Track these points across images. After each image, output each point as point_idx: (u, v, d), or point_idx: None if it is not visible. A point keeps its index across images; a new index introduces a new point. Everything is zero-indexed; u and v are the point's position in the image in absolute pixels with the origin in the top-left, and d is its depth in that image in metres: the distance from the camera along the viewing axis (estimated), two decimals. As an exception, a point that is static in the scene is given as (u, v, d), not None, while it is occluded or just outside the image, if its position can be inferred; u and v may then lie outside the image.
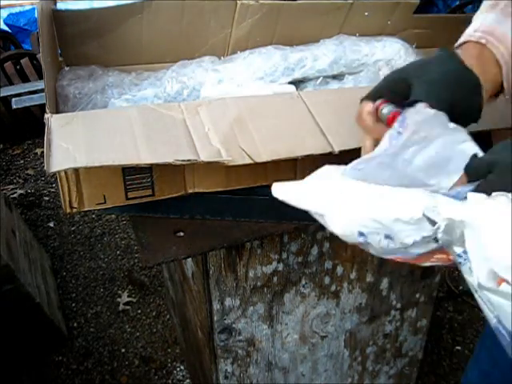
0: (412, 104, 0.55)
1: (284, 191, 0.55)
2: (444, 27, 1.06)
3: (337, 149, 0.68)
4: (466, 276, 0.42)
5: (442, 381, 1.51)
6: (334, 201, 0.51)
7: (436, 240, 0.44)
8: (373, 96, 0.61)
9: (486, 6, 0.64)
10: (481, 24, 0.61)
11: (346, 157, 0.71)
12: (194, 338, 1.12)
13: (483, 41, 0.59)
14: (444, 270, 1.59)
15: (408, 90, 0.57)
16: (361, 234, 0.48)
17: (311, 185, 0.55)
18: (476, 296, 0.42)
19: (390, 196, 0.47)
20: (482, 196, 0.42)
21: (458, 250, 0.43)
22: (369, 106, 0.60)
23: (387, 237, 0.46)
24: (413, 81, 0.57)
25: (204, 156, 0.64)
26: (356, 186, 0.50)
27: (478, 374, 0.84)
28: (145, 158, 0.62)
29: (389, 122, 0.57)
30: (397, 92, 0.59)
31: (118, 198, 0.70)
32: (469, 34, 0.61)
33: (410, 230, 0.45)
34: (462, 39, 0.62)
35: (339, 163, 0.64)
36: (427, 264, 0.49)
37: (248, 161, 0.66)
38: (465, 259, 0.42)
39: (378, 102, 0.60)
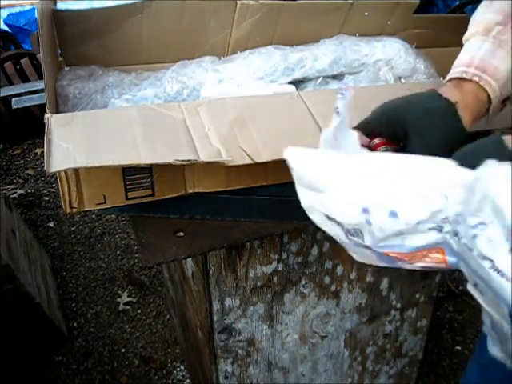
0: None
1: (294, 157, 0.52)
2: (444, 27, 1.06)
3: None
4: (481, 247, 0.40)
5: (442, 381, 1.51)
6: (340, 174, 0.49)
7: (440, 229, 0.43)
8: (367, 129, 0.62)
9: (482, 8, 0.67)
10: (473, 57, 0.63)
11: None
12: (194, 337, 1.12)
13: (476, 79, 0.62)
14: (444, 269, 1.58)
15: (403, 136, 0.59)
16: (364, 210, 0.46)
17: (319, 156, 0.52)
18: (491, 272, 0.40)
19: (408, 163, 0.45)
20: (498, 162, 0.41)
21: (472, 221, 0.41)
22: (364, 141, 0.62)
23: (392, 214, 0.44)
24: (410, 133, 0.59)
25: (204, 156, 0.64)
26: (369, 157, 0.49)
27: (477, 373, 0.84)
28: (145, 158, 0.62)
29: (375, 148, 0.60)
30: (392, 134, 0.61)
31: (118, 198, 0.70)
32: (462, 69, 0.63)
33: (419, 203, 0.43)
34: (455, 73, 0.64)
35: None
36: (420, 265, 0.48)
37: (248, 161, 0.66)
38: (481, 230, 0.40)
39: (377, 141, 0.61)
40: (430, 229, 0.44)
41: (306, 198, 0.53)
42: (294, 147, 0.52)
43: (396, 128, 0.60)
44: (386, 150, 0.60)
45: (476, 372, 0.85)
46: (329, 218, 0.51)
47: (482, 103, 0.63)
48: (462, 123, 0.59)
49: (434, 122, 0.59)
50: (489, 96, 0.62)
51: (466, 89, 0.62)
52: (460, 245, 0.43)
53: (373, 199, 0.45)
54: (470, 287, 0.45)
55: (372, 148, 0.61)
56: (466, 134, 0.59)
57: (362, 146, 0.60)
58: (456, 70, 0.64)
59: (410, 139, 0.59)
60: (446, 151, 0.57)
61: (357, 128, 0.62)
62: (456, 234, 0.43)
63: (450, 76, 0.65)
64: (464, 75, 0.62)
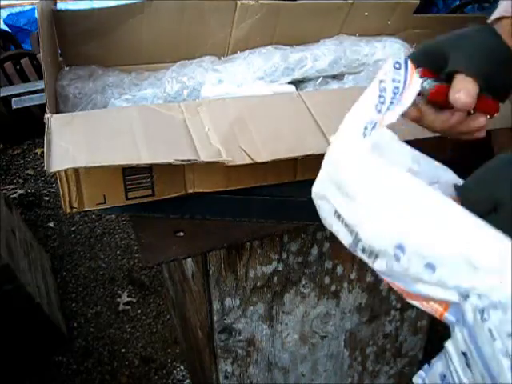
0: (451, 74, 0.52)
1: (341, 147, 0.47)
2: (444, 27, 1.06)
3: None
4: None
5: None
6: (385, 193, 0.42)
7: (464, 297, 0.38)
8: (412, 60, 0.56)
9: None
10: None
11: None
12: (194, 338, 1.12)
13: None
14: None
15: (444, 63, 0.55)
16: (399, 246, 0.40)
17: (367, 161, 0.44)
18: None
19: (462, 220, 0.38)
20: None
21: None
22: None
23: (429, 266, 0.38)
24: (450, 54, 0.54)
25: (204, 156, 0.64)
26: (423, 189, 0.40)
27: None
28: (145, 158, 0.62)
29: (431, 96, 0.54)
30: (434, 63, 0.56)
31: (117, 198, 0.70)
32: (504, 9, 0.59)
33: (464, 270, 0.37)
34: (496, 14, 0.60)
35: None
36: (412, 302, 0.43)
37: (248, 161, 0.66)
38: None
39: (420, 70, 0.54)
40: (454, 289, 0.38)
41: (323, 187, 0.48)
42: (345, 135, 0.47)
43: (438, 56, 0.55)
44: (425, 80, 0.54)
45: None
46: (340, 218, 0.46)
47: None
48: (502, 40, 0.55)
49: (471, 36, 0.55)
50: None
51: (505, 27, 0.57)
52: (477, 321, 0.38)
53: (413, 241, 0.40)
54: (452, 347, 0.41)
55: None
56: (509, 53, 0.54)
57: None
58: (495, 15, 0.60)
59: (450, 58, 0.54)
60: (487, 65, 0.53)
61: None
62: (481, 310, 0.37)
63: (494, 16, 0.60)
64: (505, 14, 0.58)
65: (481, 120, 0.55)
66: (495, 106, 0.56)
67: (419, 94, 0.53)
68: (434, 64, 0.55)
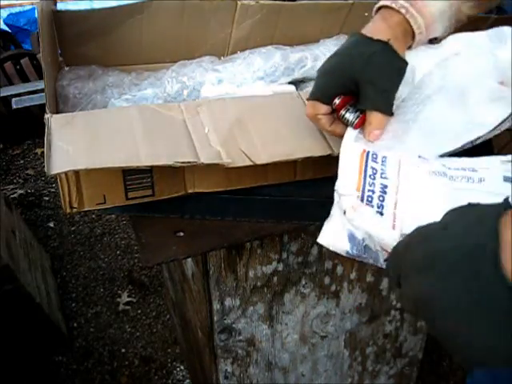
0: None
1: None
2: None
3: (336, 151, 0.68)
4: None
5: (441, 381, 1.51)
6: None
7: None
8: (324, 96, 0.63)
9: None
10: None
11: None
12: (194, 337, 1.12)
13: (403, 11, 0.62)
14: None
15: (355, 85, 0.61)
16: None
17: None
18: None
19: None
20: None
21: None
22: (323, 109, 0.64)
23: None
24: (362, 85, 0.60)
25: (204, 158, 0.64)
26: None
27: (484, 373, 0.84)
28: (145, 160, 0.62)
29: (358, 126, 0.63)
30: (345, 88, 0.62)
31: (117, 198, 0.70)
32: None
33: None
34: (383, 1, 0.64)
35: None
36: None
37: (248, 163, 0.66)
38: None
39: (337, 101, 0.62)
40: None
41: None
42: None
43: (348, 84, 0.61)
44: (347, 111, 0.62)
45: (483, 372, 0.84)
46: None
47: (409, 35, 0.63)
48: (400, 56, 0.60)
49: (379, 67, 0.60)
50: (413, 31, 0.63)
51: (394, 21, 0.62)
52: None
53: None
54: None
55: (336, 108, 0.63)
56: (407, 63, 0.61)
57: (324, 115, 0.64)
58: (381, 2, 0.64)
59: (365, 89, 0.60)
60: (396, 86, 0.61)
61: (313, 99, 0.64)
62: None
63: (380, 3, 0.64)
64: (393, 5, 0.62)
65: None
66: None
67: (345, 124, 0.63)
68: (346, 88, 0.62)
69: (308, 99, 0.65)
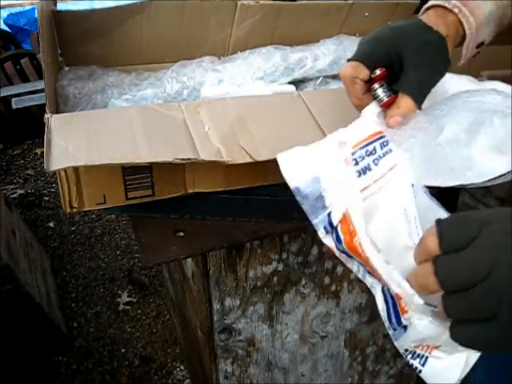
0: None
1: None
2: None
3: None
4: None
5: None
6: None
7: None
8: (368, 59, 0.62)
9: None
10: None
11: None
12: (194, 337, 1.12)
13: (456, 10, 0.62)
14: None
15: (399, 67, 0.60)
16: None
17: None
18: None
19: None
20: None
21: None
22: (364, 73, 0.62)
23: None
24: (406, 65, 0.60)
25: (204, 155, 0.64)
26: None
27: (485, 372, 0.84)
28: (145, 156, 0.62)
29: (384, 105, 0.61)
30: (390, 65, 0.61)
31: (117, 198, 0.70)
32: None
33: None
34: (435, 1, 0.64)
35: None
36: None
37: (248, 159, 0.66)
38: None
39: (378, 72, 0.61)
40: None
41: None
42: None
43: (394, 59, 0.60)
44: (381, 86, 0.61)
45: (484, 372, 0.84)
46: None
47: (459, 37, 0.64)
48: (449, 57, 0.61)
49: (429, 56, 0.59)
50: (465, 31, 0.63)
51: (449, 20, 0.62)
52: None
53: None
54: None
55: (374, 78, 0.62)
56: (450, 65, 0.61)
57: (362, 80, 0.62)
58: (433, 1, 0.64)
59: (408, 71, 0.60)
60: (435, 83, 0.61)
61: (358, 60, 0.62)
62: None
63: (431, 2, 0.64)
64: (446, 4, 0.62)
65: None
66: None
67: (374, 97, 0.62)
68: (389, 61, 0.61)
69: (351, 59, 0.63)
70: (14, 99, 1.99)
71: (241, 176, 0.73)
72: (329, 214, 0.52)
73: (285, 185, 0.77)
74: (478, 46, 0.67)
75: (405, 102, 0.60)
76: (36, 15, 0.81)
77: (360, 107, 0.64)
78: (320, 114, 0.73)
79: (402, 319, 0.46)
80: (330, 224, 0.52)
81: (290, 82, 0.96)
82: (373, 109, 0.61)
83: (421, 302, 0.42)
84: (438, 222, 0.41)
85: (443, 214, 0.51)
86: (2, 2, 3.07)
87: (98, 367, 1.58)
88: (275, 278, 0.88)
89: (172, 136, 0.66)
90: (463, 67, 0.68)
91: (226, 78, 0.93)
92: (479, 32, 0.64)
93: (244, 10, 0.94)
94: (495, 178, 0.58)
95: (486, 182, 0.58)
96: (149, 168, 0.69)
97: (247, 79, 0.93)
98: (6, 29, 3.14)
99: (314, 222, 0.53)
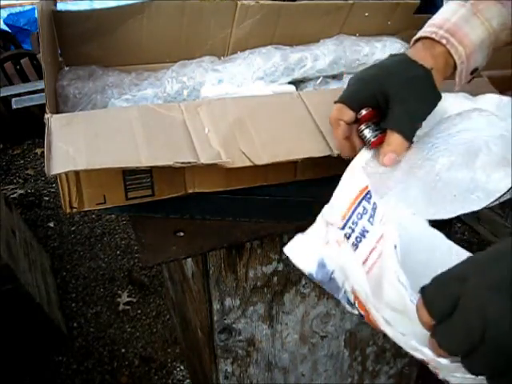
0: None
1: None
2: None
3: (336, 152, 0.68)
4: None
5: (441, 381, 1.51)
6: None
7: None
8: (353, 101, 0.62)
9: None
10: (446, 20, 0.63)
11: (344, 160, 0.71)
12: (194, 337, 1.12)
13: (444, 41, 0.62)
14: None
15: (385, 105, 0.60)
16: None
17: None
18: None
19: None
20: None
21: None
22: (348, 115, 0.62)
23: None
24: (393, 102, 0.60)
25: (204, 158, 0.64)
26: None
27: None
28: (145, 160, 0.62)
29: (373, 145, 0.61)
30: (375, 104, 0.61)
31: (118, 198, 0.70)
32: (433, 30, 0.64)
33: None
34: (425, 32, 0.64)
35: (339, 162, 0.64)
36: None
37: (248, 163, 0.66)
38: None
39: (364, 112, 0.61)
40: None
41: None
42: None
43: (379, 99, 0.60)
44: (368, 127, 0.61)
45: None
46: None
47: (450, 67, 0.63)
48: (437, 89, 0.60)
49: (415, 91, 0.59)
50: (455, 61, 0.63)
51: (437, 52, 0.62)
52: None
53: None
54: None
55: (360, 119, 0.62)
56: (441, 97, 0.61)
57: (347, 122, 0.61)
58: (426, 30, 0.64)
59: (394, 108, 0.59)
60: (425, 115, 0.60)
61: (341, 102, 0.62)
62: None
63: (419, 34, 0.65)
64: (433, 36, 0.62)
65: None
66: None
67: (361, 139, 0.62)
68: (374, 102, 0.61)
69: (336, 102, 0.63)
70: (13, 99, 1.99)
71: (241, 176, 0.73)
72: (345, 292, 0.52)
73: (285, 185, 0.77)
74: (472, 73, 0.67)
75: (394, 138, 0.59)
76: (36, 15, 0.81)
77: (342, 152, 0.64)
78: (320, 114, 0.73)
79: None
80: (349, 302, 0.52)
81: (290, 82, 0.96)
82: (360, 160, 0.60)
83: (447, 362, 0.41)
84: (422, 290, 0.41)
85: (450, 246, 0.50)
86: (2, 2, 3.07)
87: (98, 367, 1.58)
88: (275, 278, 0.88)
89: (172, 138, 0.66)
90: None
91: (226, 78, 0.93)
92: (471, 60, 0.64)
93: (244, 10, 0.94)
94: (501, 196, 0.56)
95: (493, 201, 0.56)
96: (149, 169, 0.69)
97: (247, 79, 0.93)
98: (6, 29, 3.14)
99: (339, 298, 0.53)
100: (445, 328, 0.39)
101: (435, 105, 0.61)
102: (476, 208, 0.56)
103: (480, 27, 0.63)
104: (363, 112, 0.61)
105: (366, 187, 0.54)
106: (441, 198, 0.57)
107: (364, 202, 0.53)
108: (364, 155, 0.61)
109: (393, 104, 0.59)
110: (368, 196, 0.53)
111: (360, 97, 0.61)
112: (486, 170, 0.57)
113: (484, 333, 0.36)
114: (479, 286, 0.37)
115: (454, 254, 0.50)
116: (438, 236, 0.53)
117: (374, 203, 0.52)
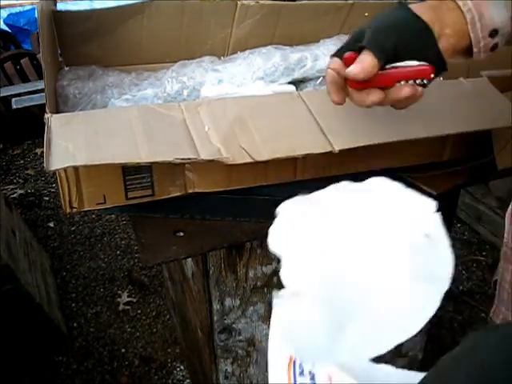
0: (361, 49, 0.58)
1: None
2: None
3: (337, 148, 0.68)
4: None
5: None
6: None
7: None
8: (341, 52, 0.61)
9: None
10: None
11: (346, 156, 0.71)
12: (194, 337, 1.12)
13: None
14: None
15: (393, 57, 0.59)
16: None
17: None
18: None
19: None
20: None
21: None
22: (335, 63, 0.61)
23: None
24: (366, 30, 0.59)
25: (204, 155, 0.64)
26: None
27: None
28: (145, 156, 0.62)
29: (345, 62, 0.60)
30: (357, 44, 0.60)
31: (118, 198, 0.70)
32: None
33: None
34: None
35: (339, 162, 0.64)
36: None
37: (248, 159, 0.66)
38: None
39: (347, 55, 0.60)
40: None
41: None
42: None
43: (360, 37, 0.60)
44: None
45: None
46: None
47: (451, 15, 0.59)
48: (412, 11, 0.58)
49: (384, 14, 0.60)
50: (462, 12, 0.58)
51: (446, 6, 0.59)
52: None
53: None
54: None
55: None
56: (418, 21, 0.58)
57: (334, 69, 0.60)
58: None
59: (365, 37, 0.59)
60: (392, 37, 0.58)
61: (334, 55, 0.61)
62: None
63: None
64: None
65: (377, 94, 0.59)
66: (423, 71, 0.60)
67: (345, 79, 0.60)
68: (357, 44, 0.59)
69: (331, 56, 0.62)
70: (13, 99, 1.99)
71: (241, 176, 0.73)
72: None
73: (285, 185, 0.77)
74: (491, 35, 0.60)
75: (361, 55, 0.58)
76: (36, 15, 0.81)
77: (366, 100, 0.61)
78: (320, 113, 0.73)
79: None
80: None
81: (290, 82, 0.96)
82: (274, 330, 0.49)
83: None
84: None
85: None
86: (2, 2, 3.07)
87: (98, 367, 1.58)
88: (275, 278, 0.88)
89: (172, 136, 0.66)
90: (463, 68, 0.67)
91: (226, 78, 0.93)
92: (483, 11, 0.58)
93: (244, 10, 0.94)
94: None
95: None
96: (149, 168, 0.69)
97: (247, 79, 0.93)
98: (6, 29, 3.14)
99: None
100: None
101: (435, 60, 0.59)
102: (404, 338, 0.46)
103: None
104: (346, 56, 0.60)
105: (291, 358, 0.46)
106: (378, 338, 0.46)
107: (299, 379, 0.44)
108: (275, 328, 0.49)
109: (366, 32, 0.59)
110: (299, 369, 0.44)
111: (346, 45, 0.61)
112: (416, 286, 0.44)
113: None
114: None
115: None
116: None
117: (310, 372, 0.43)
